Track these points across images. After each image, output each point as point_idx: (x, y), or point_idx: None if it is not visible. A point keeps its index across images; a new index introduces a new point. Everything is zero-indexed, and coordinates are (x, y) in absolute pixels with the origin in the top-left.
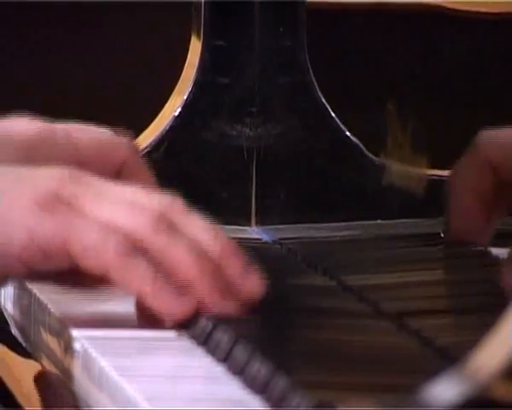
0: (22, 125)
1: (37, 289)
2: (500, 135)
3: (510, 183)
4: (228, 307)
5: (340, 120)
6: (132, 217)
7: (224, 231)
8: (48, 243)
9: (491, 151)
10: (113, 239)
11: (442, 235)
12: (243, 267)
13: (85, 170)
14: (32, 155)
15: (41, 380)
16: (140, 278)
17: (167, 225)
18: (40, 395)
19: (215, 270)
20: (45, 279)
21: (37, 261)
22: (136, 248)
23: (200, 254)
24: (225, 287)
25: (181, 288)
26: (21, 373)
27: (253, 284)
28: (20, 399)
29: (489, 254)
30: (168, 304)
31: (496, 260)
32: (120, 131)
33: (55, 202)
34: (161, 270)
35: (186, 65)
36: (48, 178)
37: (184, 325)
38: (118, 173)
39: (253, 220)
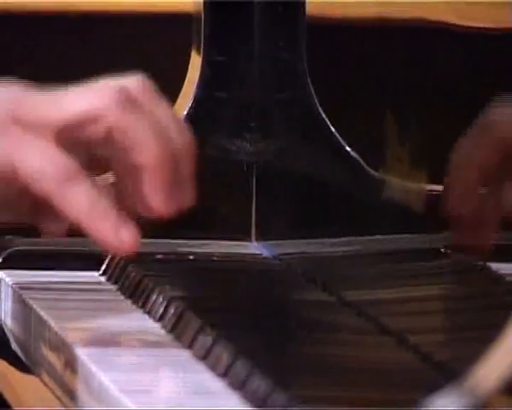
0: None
1: (36, 304)
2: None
3: None
4: (167, 206)
5: (340, 135)
6: (95, 99)
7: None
8: (1, 165)
9: (502, 127)
10: (54, 162)
11: (445, 251)
12: (192, 172)
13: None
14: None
15: None
16: (77, 201)
17: (132, 103)
18: None
19: (172, 162)
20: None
21: None
22: (79, 168)
23: (163, 140)
24: (173, 183)
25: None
26: (21, 389)
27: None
28: None
29: (489, 269)
30: (104, 231)
31: (496, 275)
32: None
33: (10, 123)
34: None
35: (186, 80)
36: (6, 98)
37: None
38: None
39: (253, 235)
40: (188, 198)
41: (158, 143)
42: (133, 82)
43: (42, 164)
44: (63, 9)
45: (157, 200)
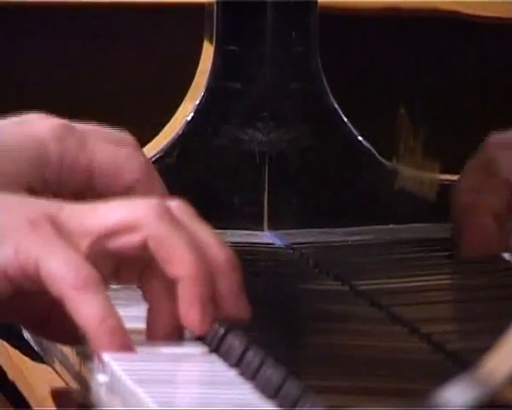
0: (37, 123)
1: None
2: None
3: None
4: (202, 322)
5: (353, 125)
6: (132, 210)
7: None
8: (25, 261)
9: (503, 163)
10: (77, 269)
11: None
12: (238, 288)
13: (97, 180)
14: (44, 155)
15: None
16: (88, 314)
17: (171, 217)
18: None
19: (209, 281)
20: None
21: (18, 278)
22: (101, 281)
23: (201, 255)
24: (210, 299)
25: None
26: (34, 378)
27: (240, 308)
28: (34, 404)
29: (501, 258)
30: (108, 350)
31: (508, 265)
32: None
33: (44, 221)
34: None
35: (198, 70)
36: (49, 202)
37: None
38: (130, 190)
39: (266, 225)
40: (228, 313)
41: (195, 256)
42: (174, 202)
43: (63, 267)
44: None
45: (191, 314)
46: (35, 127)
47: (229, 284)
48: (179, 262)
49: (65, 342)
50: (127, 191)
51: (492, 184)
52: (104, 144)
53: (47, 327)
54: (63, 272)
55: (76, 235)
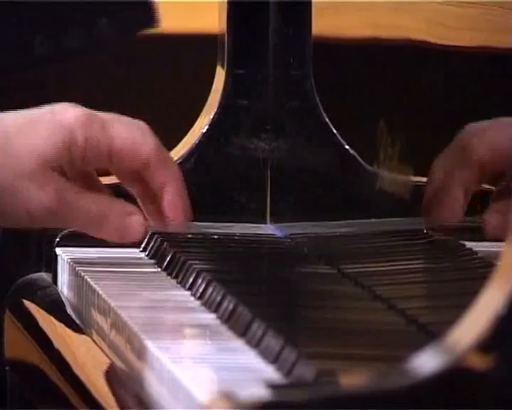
0: (63, 109)
1: (87, 276)
2: (484, 128)
3: (497, 173)
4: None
5: (341, 136)
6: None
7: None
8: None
9: (476, 146)
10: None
11: (427, 232)
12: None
13: (116, 159)
14: (72, 139)
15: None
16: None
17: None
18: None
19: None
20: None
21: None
22: None
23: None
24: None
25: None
26: (76, 347)
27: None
28: (76, 369)
29: (463, 246)
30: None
31: (470, 251)
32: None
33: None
34: None
35: (212, 90)
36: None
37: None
38: (146, 165)
39: (268, 219)
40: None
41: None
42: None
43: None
44: None
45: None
46: (63, 115)
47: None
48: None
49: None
50: (143, 165)
51: (465, 162)
52: (122, 127)
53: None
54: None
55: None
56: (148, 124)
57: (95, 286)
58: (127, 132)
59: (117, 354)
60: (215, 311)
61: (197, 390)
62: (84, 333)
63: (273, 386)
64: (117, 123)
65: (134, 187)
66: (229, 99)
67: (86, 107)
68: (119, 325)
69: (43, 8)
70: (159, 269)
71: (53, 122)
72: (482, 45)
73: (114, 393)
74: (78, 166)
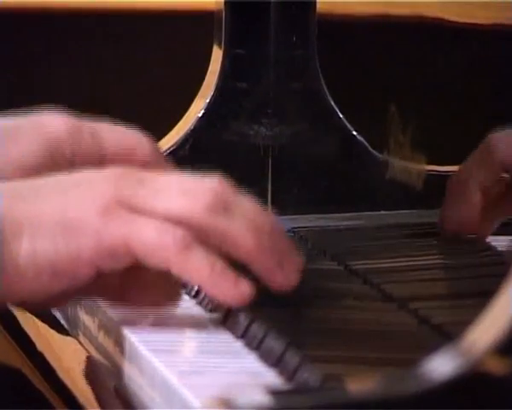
0: (50, 120)
1: None
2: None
3: None
4: (288, 278)
5: (348, 121)
6: (188, 204)
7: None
8: (113, 245)
9: (503, 152)
10: (171, 234)
11: (437, 226)
12: (290, 243)
13: (108, 166)
14: (57, 150)
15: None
16: (198, 268)
17: (222, 206)
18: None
19: (272, 244)
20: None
21: (104, 263)
22: (194, 236)
23: (257, 230)
24: (281, 260)
25: (241, 272)
26: (61, 349)
27: (297, 259)
28: (61, 373)
29: (481, 240)
30: (226, 290)
31: (488, 247)
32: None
33: (116, 206)
34: (222, 253)
35: (208, 71)
36: (104, 181)
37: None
38: (143, 169)
39: (269, 211)
40: (296, 264)
41: (252, 234)
42: (217, 185)
43: (159, 235)
44: (95, 7)
45: (274, 281)
46: (48, 125)
47: (283, 243)
48: (245, 245)
49: (147, 303)
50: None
51: (486, 164)
52: (113, 133)
53: (127, 296)
54: (160, 239)
55: (147, 212)
56: (140, 107)
57: None
58: (119, 140)
59: (105, 358)
60: (212, 311)
61: (192, 396)
62: (69, 335)
63: (275, 392)
64: (108, 131)
65: None
66: (227, 81)
67: (79, 91)
68: (107, 326)
69: None
70: None
71: (37, 132)
72: (500, 23)
73: (102, 399)
74: None
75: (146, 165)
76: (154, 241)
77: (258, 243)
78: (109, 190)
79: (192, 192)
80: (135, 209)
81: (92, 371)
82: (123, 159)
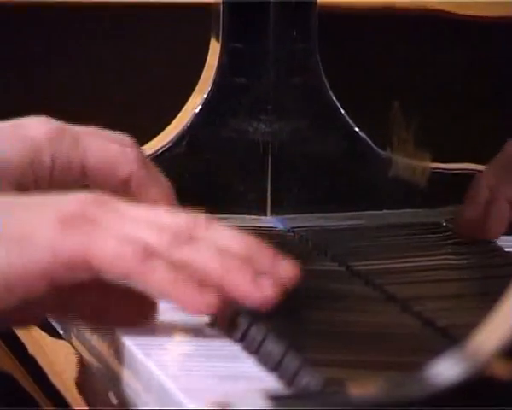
0: (31, 124)
1: None
2: None
3: None
4: (263, 295)
5: (350, 117)
6: (152, 234)
7: (250, 236)
8: (70, 258)
9: None
10: (132, 246)
11: (446, 224)
12: (273, 257)
13: (91, 178)
14: (36, 156)
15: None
16: (159, 278)
17: (186, 239)
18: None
19: (241, 264)
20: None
21: (60, 277)
22: (154, 254)
23: (223, 252)
24: (256, 277)
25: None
26: (53, 353)
27: (286, 268)
28: (53, 378)
29: (487, 241)
30: (191, 298)
31: (495, 247)
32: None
33: (76, 219)
34: (183, 271)
35: (206, 66)
36: (71, 200)
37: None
38: (126, 185)
39: (268, 210)
40: (281, 279)
41: (217, 258)
42: (188, 221)
43: (119, 246)
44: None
45: (248, 299)
46: (29, 129)
47: (263, 259)
48: (208, 268)
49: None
50: (123, 185)
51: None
52: (97, 142)
53: (102, 315)
54: (120, 251)
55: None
56: (135, 102)
57: None
58: (103, 147)
59: (99, 361)
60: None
61: (189, 401)
62: (62, 338)
63: (274, 397)
64: (92, 137)
65: None
66: (225, 76)
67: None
68: (101, 329)
69: None
70: None
71: (16, 136)
72: (506, 16)
73: (96, 404)
74: (45, 186)
75: (128, 179)
76: (114, 251)
77: (226, 264)
78: (73, 206)
79: (159, 224)
80: (97, 225)
81: (87, 381)
82: (104, 169)
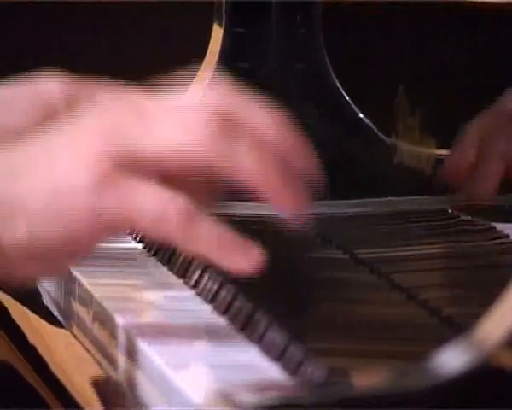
0: (46, 86)
1: None
2: None
3: None
4: (296, 202)
5: (354, 104)
6: (186, 138)
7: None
8: (111, 220)
9: None
10: (173, 207)
11: (452, 211)
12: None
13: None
14: (51, 117)
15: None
16: (205, 239)
17: (223, 131)
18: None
19: (281, 168)
20: None
21: (104, 237)
22: (196, 209)
23: (264, 156)
24: (293, 182)
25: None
26: (53, 342)
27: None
28: (53, 367)
29: (494, 228)
30: (237, 259)
31: (502, 235)
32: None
33: (109, 170)
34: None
35: (208, 51)
36: (91, 134)
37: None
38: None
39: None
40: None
41: (261, 161)
42: (222, 98)
43: (161, 209)
44: None
45: (281, 203)
46: (45, 89)
47: (299, 164)
48: (252, 175)
49: None
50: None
51: (508, 132)
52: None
53: None
54: (163, 214)
55: (143, 170)
56: (136, 89)
57: (75, 273)
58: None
59: (100, 351)
60: (211, 301)
61: (192, 392)
62: (62, 327)
63: (278, 387)
64: (105, 90)
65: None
66: (228, 61)
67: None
68: (102, 318)
69: None
70: (148, 254)
71: (33, 99)
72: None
73: (97, 394)
74: None
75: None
76: (157, 215)
77: (265, 173)
78: (98, 146)
79: (189, 119)
80: (130, 163)
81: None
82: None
